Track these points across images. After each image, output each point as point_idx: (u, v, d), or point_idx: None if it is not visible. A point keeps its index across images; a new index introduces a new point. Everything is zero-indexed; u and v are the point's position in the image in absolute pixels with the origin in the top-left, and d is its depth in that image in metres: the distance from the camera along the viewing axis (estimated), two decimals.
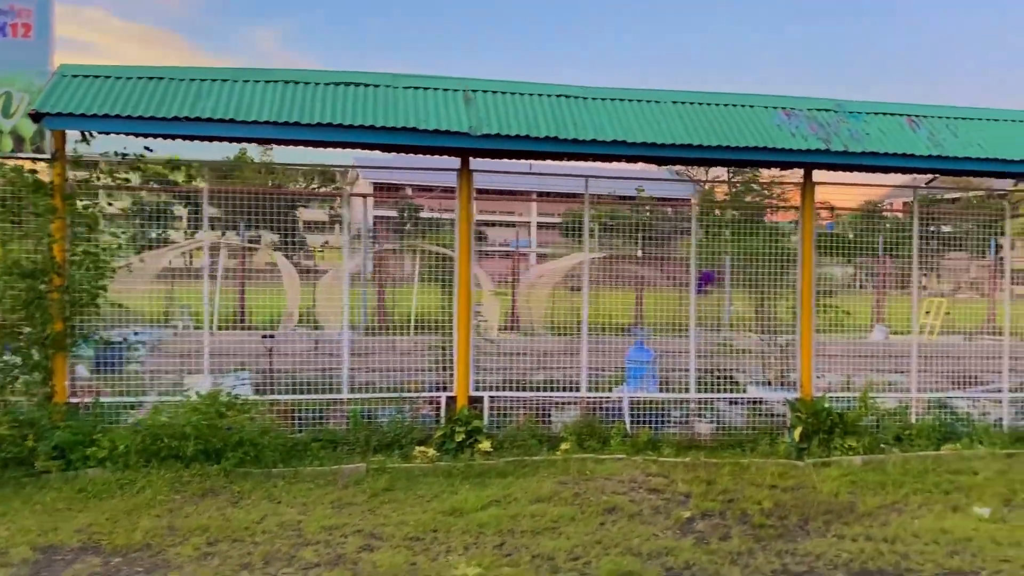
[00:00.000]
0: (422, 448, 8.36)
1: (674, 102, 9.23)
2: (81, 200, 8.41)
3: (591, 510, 6.84)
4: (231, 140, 8.27)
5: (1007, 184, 12.41)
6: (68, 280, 8.25)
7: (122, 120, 7.79)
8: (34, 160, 8.39)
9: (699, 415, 9.88)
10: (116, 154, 8.65)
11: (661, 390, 10.01)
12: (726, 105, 9.32)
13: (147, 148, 8.53)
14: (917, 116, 9.58)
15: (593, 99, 9.08)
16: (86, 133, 8.29)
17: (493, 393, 9.26)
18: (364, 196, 18.54)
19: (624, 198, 16.57)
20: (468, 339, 9.09)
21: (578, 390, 9.57)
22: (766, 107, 9.35)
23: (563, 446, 8.70)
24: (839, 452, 8.93)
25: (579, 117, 8.73)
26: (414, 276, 15.41)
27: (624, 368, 10.50)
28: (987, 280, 16.49)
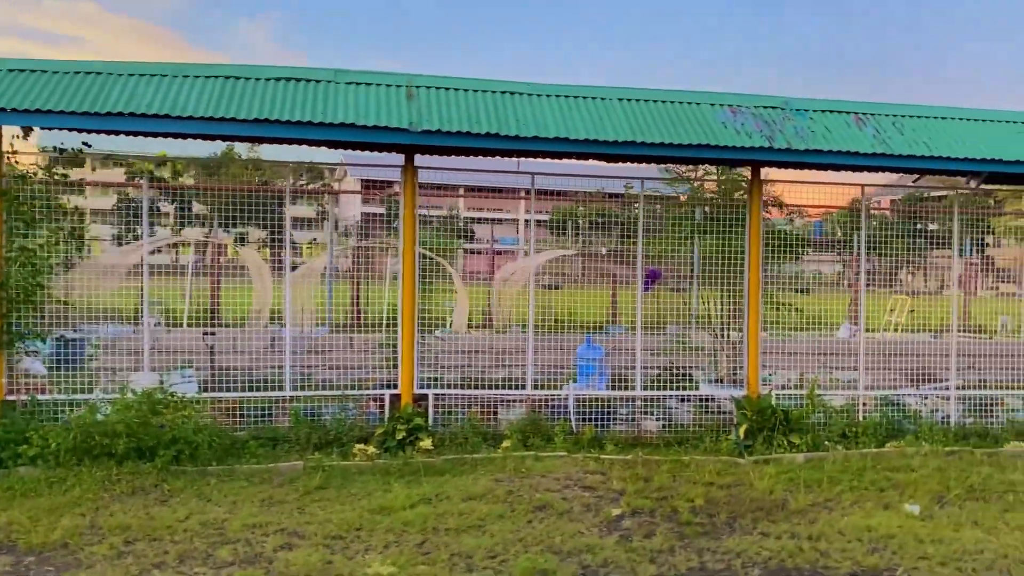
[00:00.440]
0: (361, 446, 8.32)
1: (620, 99, 9.22)
2: (17, 195, 8.32)
3: (521, 508, 6.82)
4: (167, 135, 8.20)
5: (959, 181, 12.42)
6: (4, 277, 8.17)
7: (56, 115, 7.70)
8: None
9: (647, 412, 9.88)
10: (55, 149, 8.57)
11: (614, 387, 10.00)
12: (673, 102, 9.32)
13: (85, 144, 8.45)
14: (865, 114, 9.59)
15: (539, 95, 9.06)
16: (25, 129, 8.21)
17: (438, 391, 9.23)
18: (336, 193, 18.44)
19: (613, 195, 16.60)
20: (413, 336, 9.06)
21: (525, 388, 9.54)
22: (713, 104, 9.35)
23: (504, 444, 8.68)
24: (782, 449, 8.95)
25: (523, 114, 8.70)
26: (387, 274, 15.43)
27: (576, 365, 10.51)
28: (966, 278, 16.65)
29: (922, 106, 9.91)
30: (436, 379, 9.97)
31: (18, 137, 8.36)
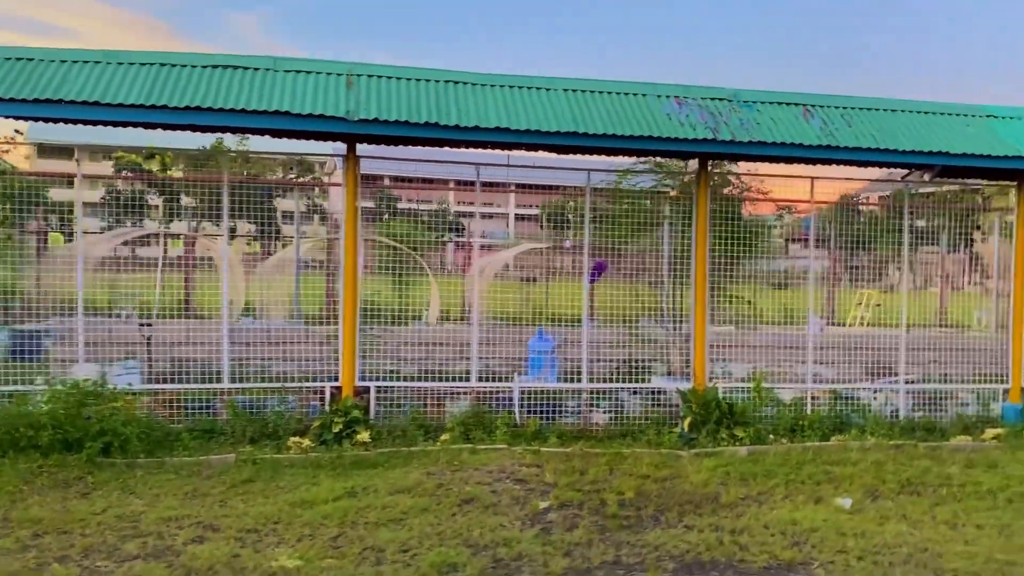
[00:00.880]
0: (296, 439, 8.24)
1: (565, 89, 9.13)
2: None
3: (447, 501, 6.74)
4: (96, 123, 8.05)
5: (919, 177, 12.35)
6: None
7: None
8: None
9: (595, 405, 9.81)
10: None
11: (566, 380, 9.93)
12: (619, 93, 9.23)
13: (17, 131, 8.31)
14: (813, 106, 9.53)
15: (482, 85, 8.96)
16: None
17: (380, 383, 9.14)
18: (308, 186, 18.30)
19: (600, 190, 16.49)
20: (354, 329, 8.96)
21: (469, 380, 9.45)
22: (659, 96, 9.26)
23: (443, 436, 8.60)
24: (726, 443, 8.89)
25: (464, 103, 8.60)
26: (363, 266, 15.34)
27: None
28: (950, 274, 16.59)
29: (873, 98, 9.84)
30: (393, 372, 9.90)
31: None
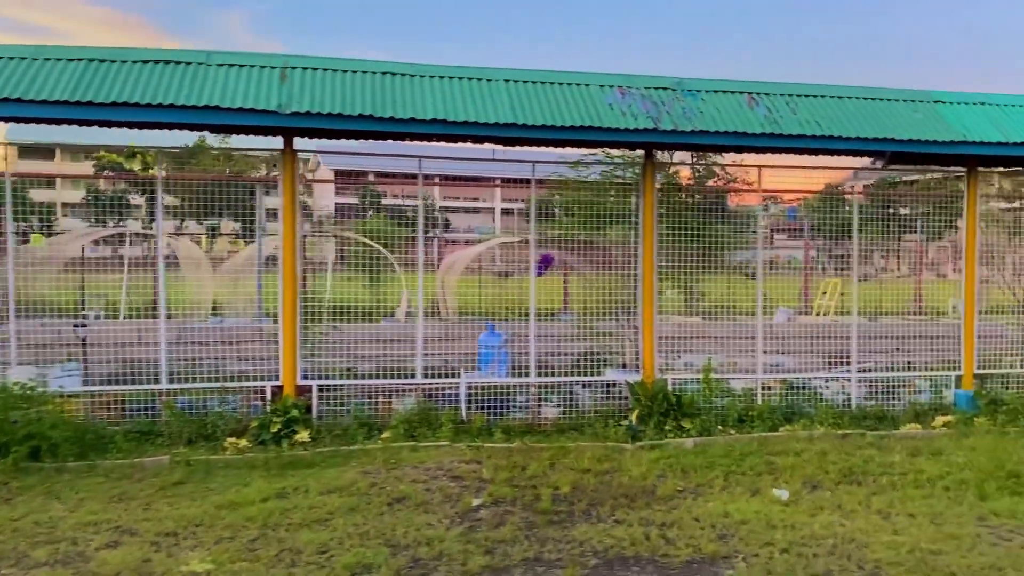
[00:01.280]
0: (233, 439, 8.10)
1: (507, 80, 9.00)
2: None
3: (378, 500, 6.63)
4: (18, 120, 7.87)
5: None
6: None
7: None
8: None
9: (545, 399, 9.71)
10: None
11: (519, 375, 9.83)
12: (562, 83, 9.11)
13: None
14: (758, 94, 9.45)
15: (421, 76, 8.82)
16: None
17: (322, 382, 9.01)
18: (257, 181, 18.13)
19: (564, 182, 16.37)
20: (294, 326, 8.82)
21: (415, 377, 9.34)
22: (602, 86, 9.15)
23: (385, 434, 8.48)
24: (672, 434, 8.83)
25: (401, 95, 8.47)
26: (331, 263, 15.22)
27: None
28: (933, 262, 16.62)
29: (820, 85, 9.76)
30: (351, 370, 9.78)
31: None
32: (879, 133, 9.15)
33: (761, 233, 10.09)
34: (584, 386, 9.96)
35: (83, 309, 13.50)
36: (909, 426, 9.44)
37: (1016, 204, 14.18)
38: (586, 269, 11.24)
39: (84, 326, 9.47)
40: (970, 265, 10.45)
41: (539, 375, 9.68)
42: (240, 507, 6.41)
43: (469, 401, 9.36)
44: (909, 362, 11.92)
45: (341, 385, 9.11)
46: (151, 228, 18.34)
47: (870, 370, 11.17)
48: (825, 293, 17.17)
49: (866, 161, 10.84)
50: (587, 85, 9.13)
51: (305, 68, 8.58)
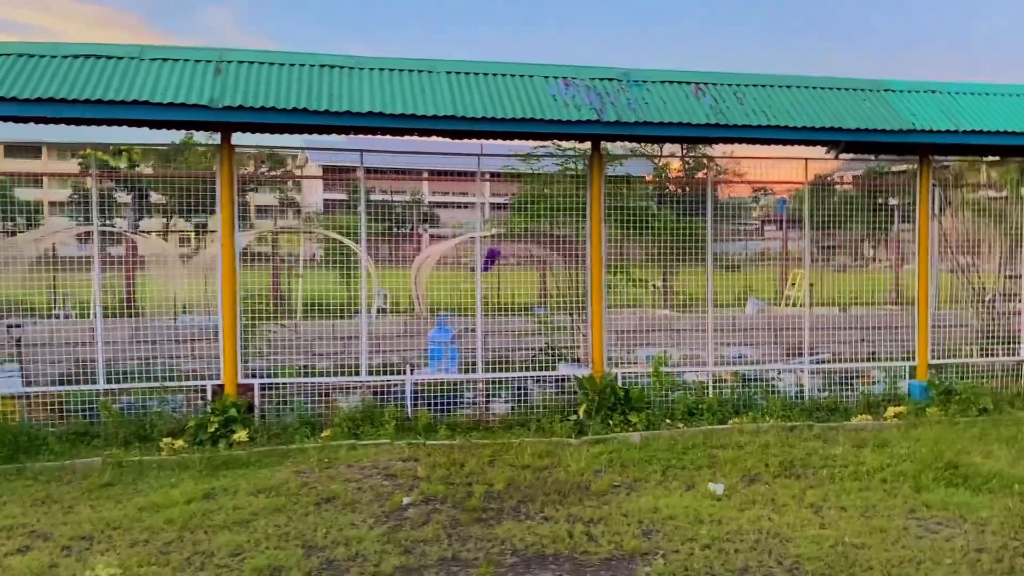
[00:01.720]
0: (169, 440, 7.97)
1: (449, 72, 8.88)
2: None
3: (305, 500, 6.53)
4: None
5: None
6: None
7: None
8: None
9: (495, 395, 9.62)
10: None
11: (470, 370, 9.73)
12: (505, 75, 9.00)
13: None
14: (705, 84, 9.34)
15: (360, 69, 8.70)
16: None
17: (264, 380, 8.89)
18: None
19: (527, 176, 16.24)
20: (234, 324, 8.69)
21: (359, 374, 9.23)
22: (546, 77, 9.04)
23: (325, 433, 8.37)
24: (619, 429, 8.75)
25: (339, 88, 8.34)
26: (303, 260, 15.14)
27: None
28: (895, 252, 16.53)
29: (767, 75, 9.67)
30: (308, 368, 9.66)
31: None
32: (826, 122, 9.06)
33: (711, 224, 9.94)
34: (537, 381, 9.87)
35: (54, 308, 13.37)
36: (860, 417, 9.39)
37: (979, 194, 14.14)
38: (548, 263, 11.16)
39: (19, 327, 9.31)
40: (923, 254, 10.41)
41: (493, 370, 9.59)
42: (162, 509, 6.29)
43: (417, 398, 9.26)
44: (874, 352, 11.89)
45: (285, 384, 8.99)
46: (114, 226, 18.21)
47: (825, 361, 11.13)
48: (794, 284, 17.12)
49: (821, 151, 10.75)
50: (531, 76, 9.02)
51: (241, 62, 8.44)
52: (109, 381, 8.69)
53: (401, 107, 8.20)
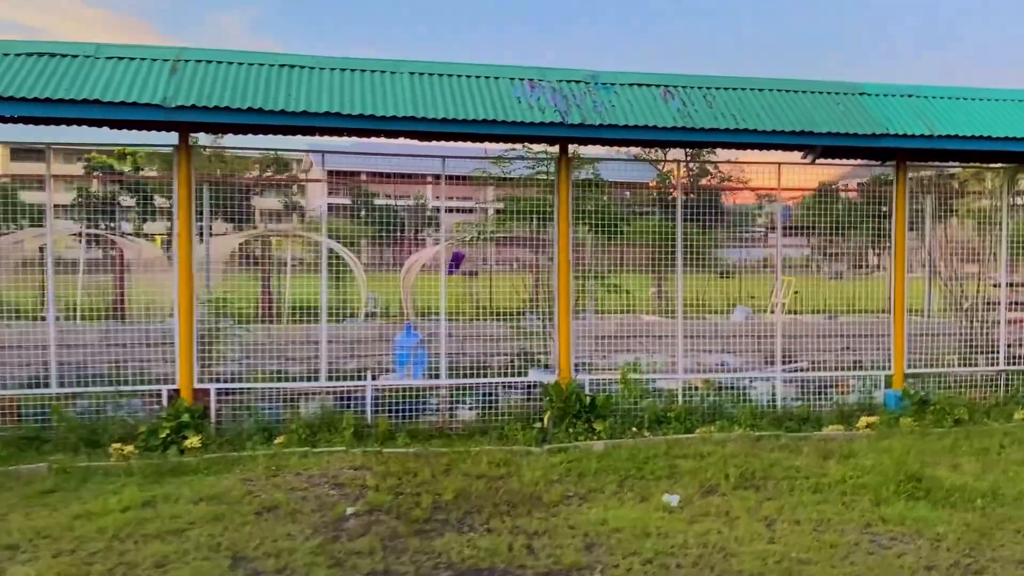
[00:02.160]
0: (119, 445, 7.80)
1: (411, 73, 8.73)
2: None
3: (246, 510, 6.35)
4: None
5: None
6: None
7: None
8: None
9: (460, 401, 9.44)
10: None
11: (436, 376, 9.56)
12: (468, 76, 8.85)
13: None
14: (674, 87, 9.18)
15: (321, 69, 8.56)
16: None
17: (220, 385, 8.72)
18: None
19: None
20: (191, 328, 8.53)
21: (318, 380, 9.06)
22: (512, 79, 8.89)
23: (279, 440, 8.20)
24: (583, 437, 8.56)
25: (297, 88, 8.19)
26: (289, 263, 15.03)
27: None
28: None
29: (738, 78, 9.50)
30: (280, 373, 9.50)
31: None
32: (797, 126, 8.89)
33: (680, 229, 9.75)
34: (506, 387, 9.70)
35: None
36: (832, 427, 9.18)
37: (963, 201, 13.93)
38: (521, 267, 11.01)
39: None
40: (899, 261, 10.21)
41: (460, 376, 9.42)
42: (97, 517, 6.12)
43: (379, 404, 9.08)
44: (858, 361, 11.69)
45: (242, 389, 8.82)
46: (98, 228, 18.09)
47: (803, 369, 10.94)
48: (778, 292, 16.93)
49: (797, 156, 10.56)
50: (496, 78, 8.86)
51: (199, 61, 8.30)
52: (62, 385, 8.53)
53: (360, 107, 8.05)
